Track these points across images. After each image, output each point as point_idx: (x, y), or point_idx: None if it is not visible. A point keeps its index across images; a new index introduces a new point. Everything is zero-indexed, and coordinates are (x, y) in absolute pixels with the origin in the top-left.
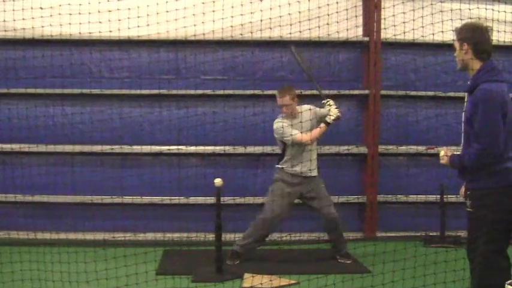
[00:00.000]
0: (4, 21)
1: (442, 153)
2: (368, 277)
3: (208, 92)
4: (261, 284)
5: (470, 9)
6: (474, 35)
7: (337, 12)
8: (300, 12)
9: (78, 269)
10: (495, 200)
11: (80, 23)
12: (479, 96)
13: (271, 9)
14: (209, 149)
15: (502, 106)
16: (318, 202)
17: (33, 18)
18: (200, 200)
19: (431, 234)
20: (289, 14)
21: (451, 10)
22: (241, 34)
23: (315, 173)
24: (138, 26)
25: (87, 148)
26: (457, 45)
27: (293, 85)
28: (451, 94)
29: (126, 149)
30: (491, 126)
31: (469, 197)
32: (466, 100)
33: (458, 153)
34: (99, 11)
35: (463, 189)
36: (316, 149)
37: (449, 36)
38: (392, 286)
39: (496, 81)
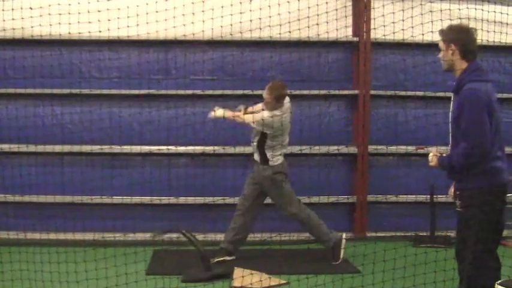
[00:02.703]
0: None
1: (430, 155)
2: (358, 277)
3: (198, 92)
4: (251, 284)
5: (459, 10)
6: (461, 36)
7: (326, 12)
8: (289, 12)
9: (68, 269)
10: (485, 199)
11: (70, 23)
12: (465, 95)
13: (260, 9)
14: (199, 149)
15: (488, 105)
16: (272, 197)
17: (22, 18)
18: (190, 200)
19: (421, 234)
20: (278, 14)
21: (441, 10)
22: (231, 34)
23: (256, 158)
24: (128, 26)
25: (76, 148)
26: (443, 46)
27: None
28: (441, 94)
29: (116, 149)
30: (478, 125)
31: (458, 197)
32: (452, 100)
33: (446, 154)
34: (88, 11)
35: (452, 190)
36: (255, 143)
37: (439, 37)
38: (382, 286)
39: (482, 80)
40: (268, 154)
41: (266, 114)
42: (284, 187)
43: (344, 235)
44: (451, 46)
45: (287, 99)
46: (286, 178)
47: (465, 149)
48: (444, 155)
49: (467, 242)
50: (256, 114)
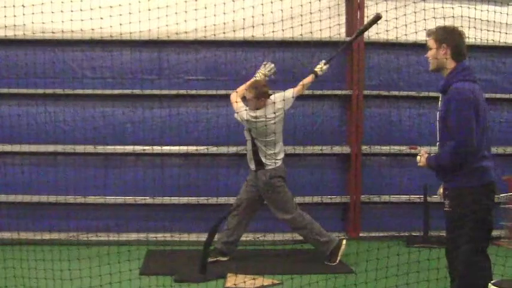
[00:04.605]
0: None
1: (418, 156)
2: (351, 276)
3: (191, 91)
4: (244, 283)
5: (452, 8)
6: (454, 37)
7: (319, 11)
8: (282, 10)
9: (62, 267)
10: (473, 198)
11: (63, 21)
12: (452, 95)
13: (253, 7)
14: (192, 149)
15: (475, 104)
16: (267, 201)
17: (15, 16)
18: (183, 200)
19: (414, 234)
20: (271, 12)
21: (434, 9)
22: (224, 33)
23: (252, 167)
24: (121, 25)
25: (69, 148)
26: (433, 45)
27: (267, 84)
28: (434, 94)
29: (109, 149)
30: (464, 124)
31: (447, 196)
32: (440, 100)
33: (434, 154)
34: (81, 10)
35: (441, 190)
36: (250, 147)
37: (426, 36)
38: (375, 285)
39: (469, 80)
40: (262, 157)
41: (244, 114)
42: (280, 192)
43: (345, 242)
44: (443, 46)
45: (279, 98)
46: (284, 182)
47: (452, 147)
48: (432, 154)
49: (457, 242)
50: (241, 111)
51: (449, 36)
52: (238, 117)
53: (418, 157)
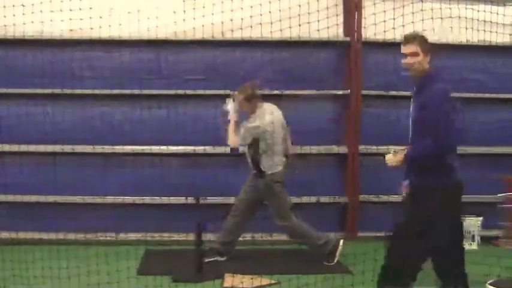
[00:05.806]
0: None
1: (390, 155)
2: (349, 276)
3: (190, 91)
4: (242, 283)
5: (450, 9)
6: (431, 46)
7: (317, 11)
8: (280, 10)
9: (60, 266)
10: (440, 197)
11: (62, 20)
12: (433, 94)
13: (251, 7)
14: (190, 148)
15: (452, 104)
16: (268, 204)
17: (14, 15)
18: (182, 200)
19: None
20: (269, 12)
21: (432, 9)
22: (222, 32)
23: (251, 165)
24: (120, 25)
25: (68, 148)
26: (421, 52)
27: (258, 84)
28: None
29: (108, 149)
30: (446, 121)
31: (414, 194)
32: (412, 101)
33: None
34: (80, 9)
35: (404, 187)
36: (248, 151)
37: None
38: (373, 285)
39: (443, 82)
40: (261, 163)
41: (245, 129)
42: (280, 198)
43: (342, 242)
44: (428, 55)
45: (275, 110)
46: (283, 188)
47: (432, 143)
48: (408, 150)
49: (425, 238)
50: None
51: (429, 46)
52: (246, 134)
53: (390, 155)
